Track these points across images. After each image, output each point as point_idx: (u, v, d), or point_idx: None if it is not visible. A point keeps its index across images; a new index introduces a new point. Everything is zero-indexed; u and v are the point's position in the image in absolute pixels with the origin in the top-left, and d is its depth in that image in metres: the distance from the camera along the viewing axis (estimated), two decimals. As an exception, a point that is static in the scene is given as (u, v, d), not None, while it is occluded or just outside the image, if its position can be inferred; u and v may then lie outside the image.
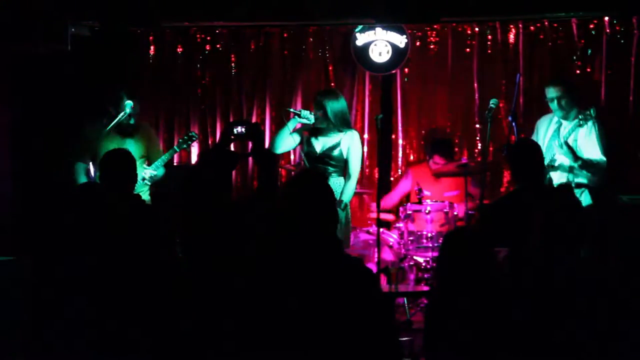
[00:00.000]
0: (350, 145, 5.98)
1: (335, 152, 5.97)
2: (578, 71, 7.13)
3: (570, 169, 5.87)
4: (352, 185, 6.00)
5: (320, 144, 6.02)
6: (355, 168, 6.02)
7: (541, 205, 4.59)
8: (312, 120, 5.99)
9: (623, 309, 3.29)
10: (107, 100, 6.16)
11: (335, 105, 5.95)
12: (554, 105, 6.02)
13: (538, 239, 4.48)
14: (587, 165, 5.84)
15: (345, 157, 5.97)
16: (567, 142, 5.84)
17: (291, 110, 6.34)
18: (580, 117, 5.84)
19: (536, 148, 5.00)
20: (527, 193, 4.69)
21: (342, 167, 6.00)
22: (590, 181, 5.87)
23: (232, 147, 4.68)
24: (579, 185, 5.84)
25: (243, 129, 4.29)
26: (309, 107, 6.48)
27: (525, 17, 7.16)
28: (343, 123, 5.98)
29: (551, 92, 6.04)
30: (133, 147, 5.91)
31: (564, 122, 6.05)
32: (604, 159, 5.87)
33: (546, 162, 5.79)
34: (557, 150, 5.89)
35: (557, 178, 5.93)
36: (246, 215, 3.99)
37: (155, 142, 6.38)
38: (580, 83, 7.09)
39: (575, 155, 5.82)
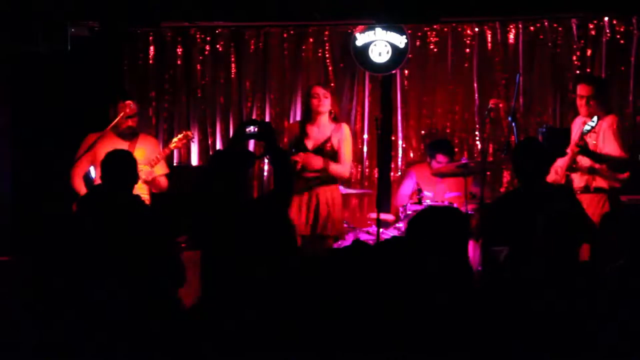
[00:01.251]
0: (341, 138, 6.09)
1: (327, 148, 6.05)
2: (578, 71, 7.13)
3: (591, 171, 5.80)
4: (341, 168, 6.07)
5: (311, 141, 6.08)
6: (347, 158, 6.12)
7: (541, 205, 4.61)
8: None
9: (623, 309, 3.30)
10: (108, 100, 6.17)
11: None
12: (581, 102, 5.93)
13: (538, 239, 4.50)
14: (605, 159, 5.74)
15: (336, 150, 6.08)
16: (584, 142, 5.74)
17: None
18: (587, 125, 5.75)
19: (538, 148, 5.00)
20: (528, 192, 4.70)
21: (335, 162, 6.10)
22: (610, 185, 5.78)
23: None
24: (598, 190, 5.78)
25: (256, 129, 4.28)
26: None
27: (525, 17, 7.15)
28: (332, 117, 6.12)
29: (581, 90, 5.94)
30: (135, 152, 5.94)
31: (589, 122, 5.91)
32: (624, 155, 5.79)
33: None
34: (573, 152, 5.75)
35: (577, 180, 5.89)
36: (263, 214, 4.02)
37: (156, 155, 6.27)
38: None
39: (592, 155, 5.71)
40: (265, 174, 7.60)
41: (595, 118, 5.64)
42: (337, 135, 6.08)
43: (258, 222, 4.03)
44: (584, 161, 5.82)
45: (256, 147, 6.84)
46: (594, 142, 5.85)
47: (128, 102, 6.08)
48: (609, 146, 5.81)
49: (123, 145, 5.94)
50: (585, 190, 5.74)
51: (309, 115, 6.13)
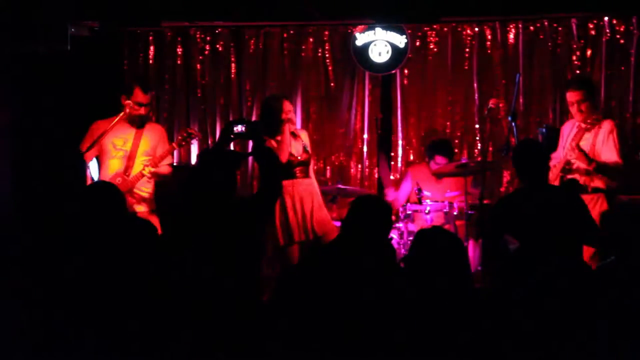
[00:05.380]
0: (307, 144, 6.02)
1: (306, 155, 5.95)
2: (578, 71, 7.13)
3: (587, 173, 5.80)
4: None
5: (295, 150, 5.90)
6: (312, 167, 6.11)
7: (543, 204, 4.62)
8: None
9: (624, 309, 3.29)
10: (120, 90, 6.13)
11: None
12: (573, 109, 5.87)
13: (541, 237, 4.50)
14: (602, 168, 5.76)
15: (309, 157, 6.03)
16: (580, 145, 5.77)
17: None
18: (588, 121, 5.76)
19: (538, 147, 5.01)
20: (531, 192, 4.71)
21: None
22: (607, 185, 5.81)
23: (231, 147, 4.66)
24: (596, 190, 5.78)
25: (243, 128, 4.28)
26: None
27: (525, 17, 7.16)
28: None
29: (570, 96, 5.88)
30: (141, 140, 5.94)
31: (584, 126, 5.86)
32: (620, 161, 5.80)
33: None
34: (569, 154, 5.78)
35: None
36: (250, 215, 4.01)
37: (164, 146, 6.17)
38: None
39: (588, 159, 5.73)
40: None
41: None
42: (306, 141, 6.00)
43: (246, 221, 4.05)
44: (580, 164, 5.80)
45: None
46: (591, 145, 5.83)
47: (128, 101, 6.02)
48: (608, 152, 5.81)
49: (130, 132, 5.97)
50: (583, 191, 5.74)
51: (279, 127, 5.80)
